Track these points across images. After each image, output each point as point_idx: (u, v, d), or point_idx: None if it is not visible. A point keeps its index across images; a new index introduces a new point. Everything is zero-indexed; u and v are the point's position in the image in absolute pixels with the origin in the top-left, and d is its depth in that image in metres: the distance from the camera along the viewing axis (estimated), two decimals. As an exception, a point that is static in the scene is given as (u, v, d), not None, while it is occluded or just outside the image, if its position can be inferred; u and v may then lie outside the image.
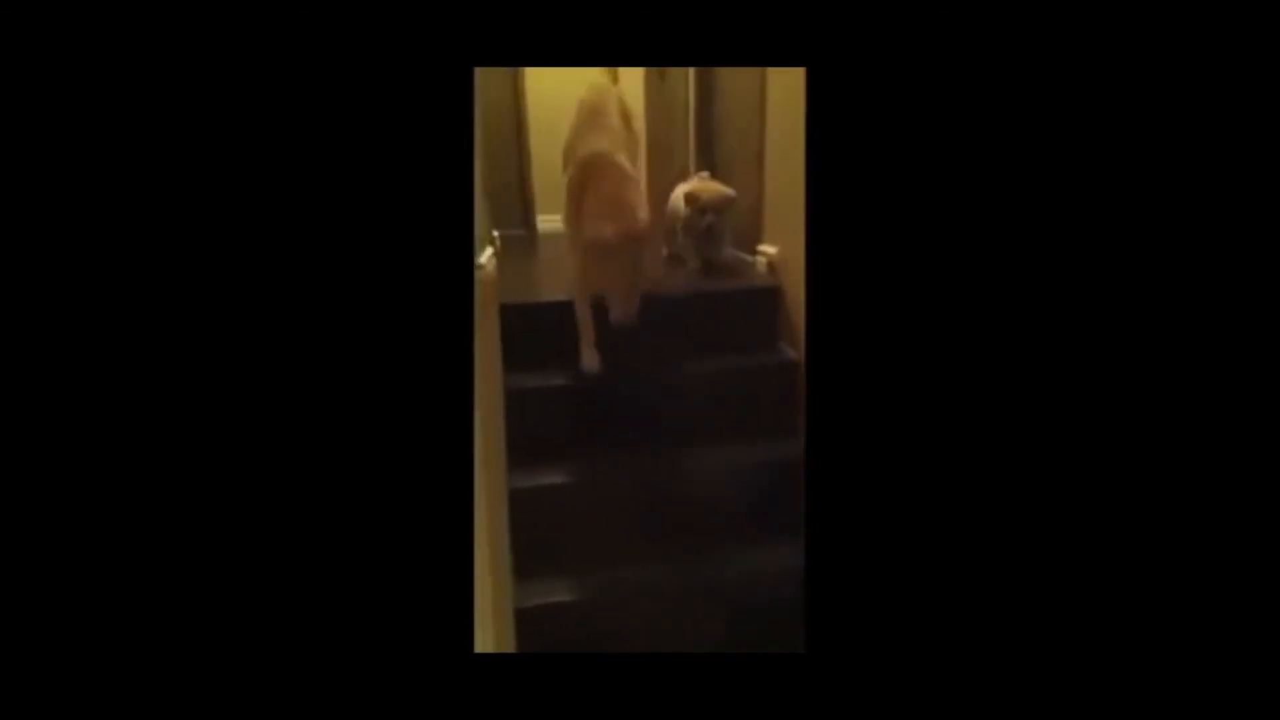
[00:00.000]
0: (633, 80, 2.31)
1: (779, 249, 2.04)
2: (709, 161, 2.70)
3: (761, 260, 2.12)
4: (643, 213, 1.52)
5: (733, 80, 2.50)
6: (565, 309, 1.82)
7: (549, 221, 3.65)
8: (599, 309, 1.68)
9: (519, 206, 3.62)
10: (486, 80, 1.59)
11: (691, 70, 2.82)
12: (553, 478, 1.67)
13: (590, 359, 1.69)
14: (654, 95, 3.07)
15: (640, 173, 1.78)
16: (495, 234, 1.84)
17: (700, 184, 2.06)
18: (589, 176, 1.54)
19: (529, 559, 1.61)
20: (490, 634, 1.11)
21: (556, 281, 2.13)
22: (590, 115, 1.69)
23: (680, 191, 2.11)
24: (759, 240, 2.16)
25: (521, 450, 1.71)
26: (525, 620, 1.46)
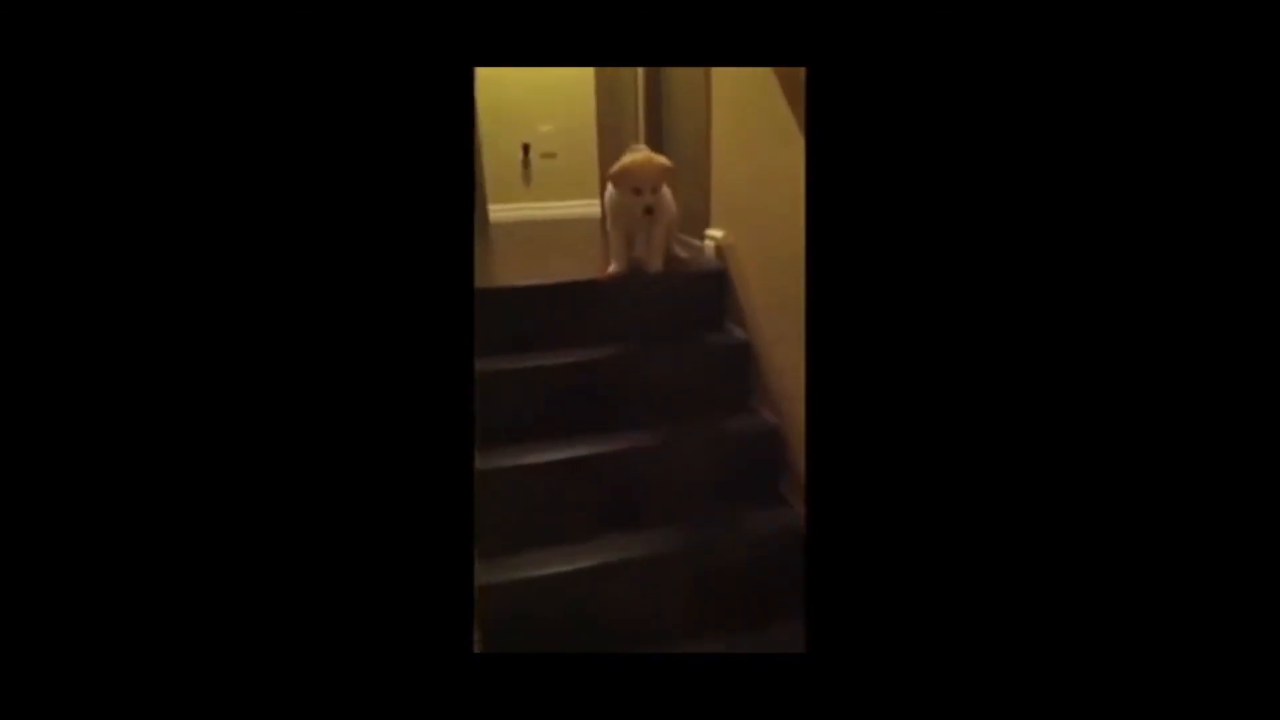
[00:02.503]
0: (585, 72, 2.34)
1: (725, 233, 2.10)
2: (657, 147, 2.75)
3: (709, 244, 2.19)
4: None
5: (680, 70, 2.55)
6: (522, 294, 1.88)
7: (499, 210, 3.66)
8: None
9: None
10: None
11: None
12: (518, 459, 1.72)
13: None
14: (605, 82, 3.11)
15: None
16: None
17: (631, 156, 1.99)
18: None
19: (495, 537, 1.66)
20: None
21: (508, 268, 2.17)
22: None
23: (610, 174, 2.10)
24: (706, 225, 2.23)
25: (487, 432, 1.76)
26: (490, 596, 1.52)
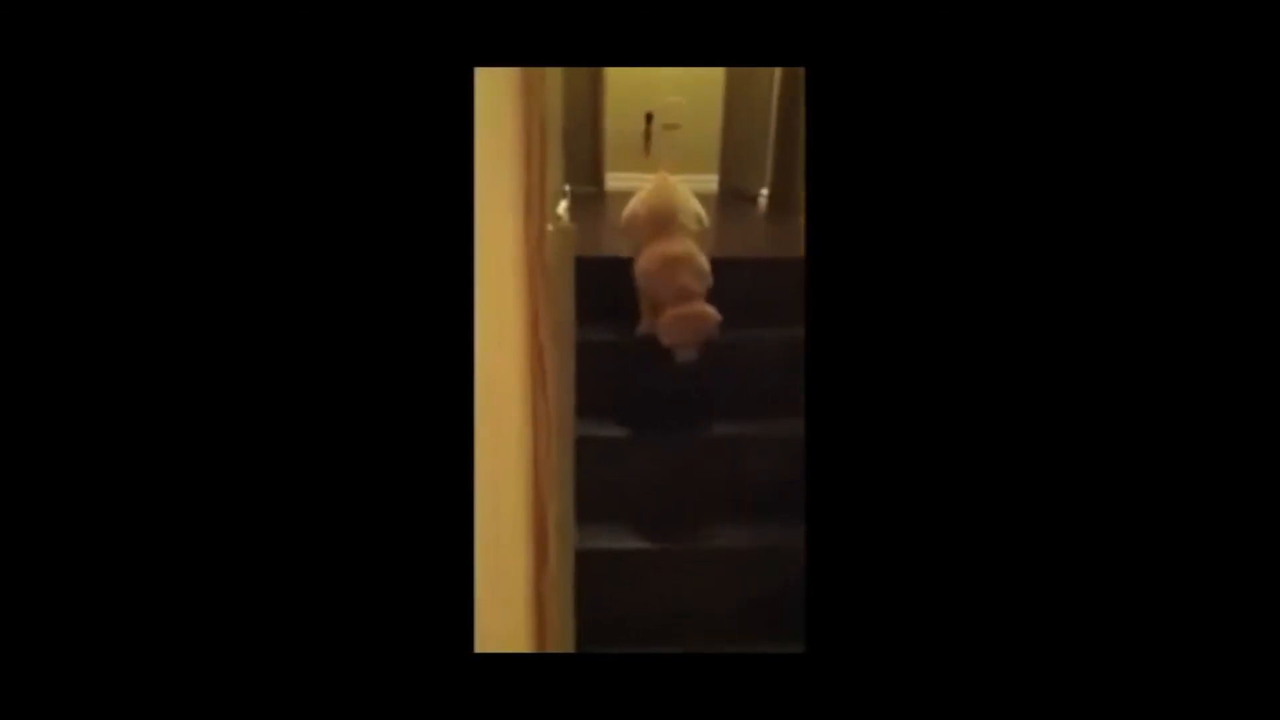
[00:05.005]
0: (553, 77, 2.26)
1: None
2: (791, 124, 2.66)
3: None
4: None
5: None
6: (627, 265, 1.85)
7: (618, 179, 3.65)
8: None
9: (589, 164, 3.63)
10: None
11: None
12: (616, 431, 1.71)
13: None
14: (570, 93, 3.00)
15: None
16: (567, 188, 1.86)
17: (655, 198, 1.84)
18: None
19: (589, 504, 1.65)
20: (554, 572, 1.15)
21: (619, 239, 2.15)
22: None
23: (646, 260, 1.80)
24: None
25: (589, 401, 1.75)
26: (584, 561, 1.51)
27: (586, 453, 1.62)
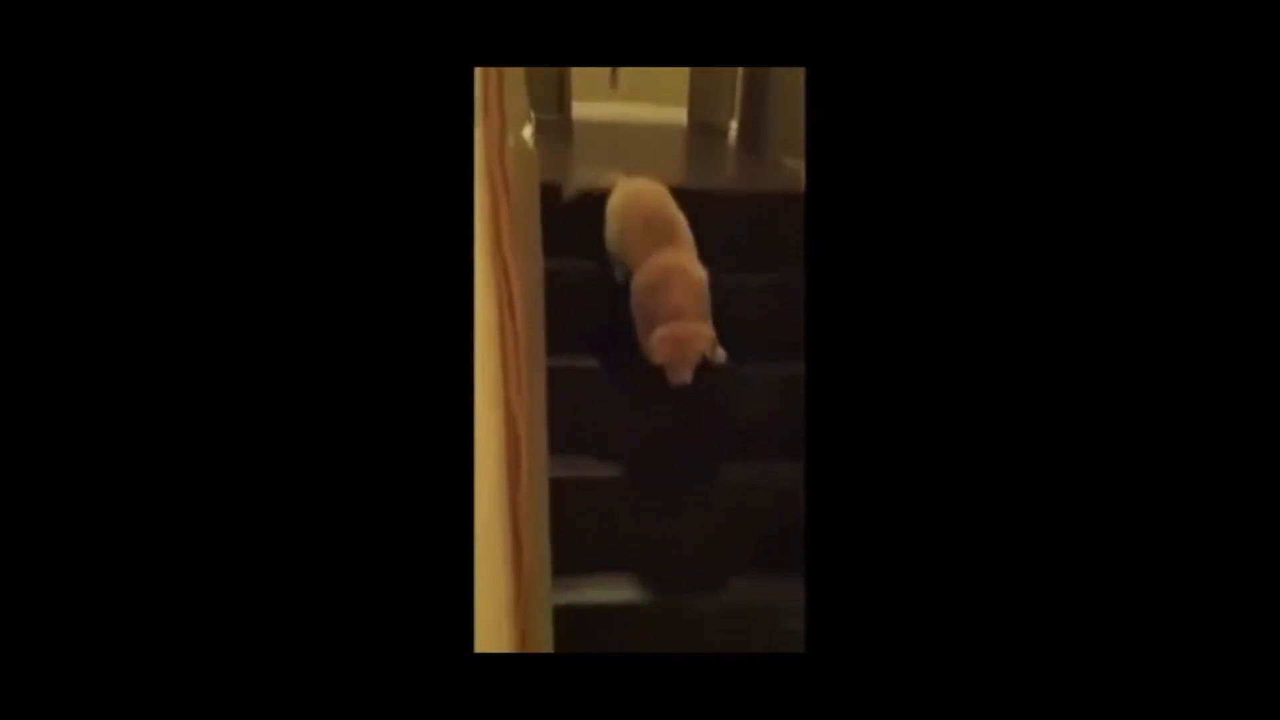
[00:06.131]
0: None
1: None
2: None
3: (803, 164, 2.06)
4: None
5: None
6: (603, 196, 1.81)
7: (584, 108, 3.56)
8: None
9: (555, 92, 3.52)
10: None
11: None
12: (588, 361, 1.70)
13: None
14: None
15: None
16: (532, 115, 1.80)
17: (647, 202, 1.74)
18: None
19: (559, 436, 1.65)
20: (528, 501, 1.15)
21: (591, 167, 2.10)
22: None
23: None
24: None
25: (559, 331, 1.73)
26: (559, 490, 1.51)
27: (559, 384, 1.61)
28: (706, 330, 1.59)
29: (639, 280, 1.65)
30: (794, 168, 2.11)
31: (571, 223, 1.81)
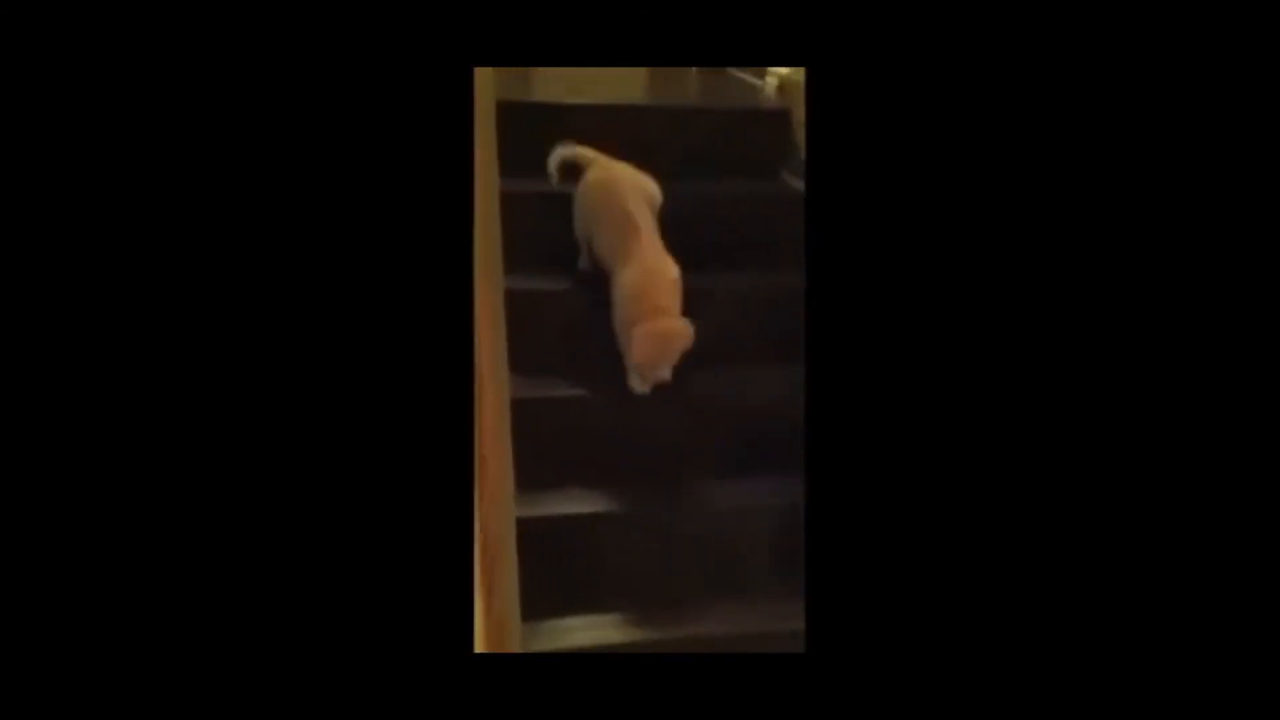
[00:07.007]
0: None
1: (792, 70, 1.95)
2: None
3: (771, 83, 2.03)
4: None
5: None
6: (561, 111, 1.78)
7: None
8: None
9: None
10: None
11: None
12: (550, 285, 1.70)
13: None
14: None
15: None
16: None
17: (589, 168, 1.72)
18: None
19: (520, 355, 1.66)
20: (491, 420, 1.17)
21: (549, 84, 2.05)
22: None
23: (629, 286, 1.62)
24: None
25: (520, 255, 1.72)
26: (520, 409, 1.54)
27: (515, 306, 1.61)
28: (685, 327, 1.58)
29: (619, 286, 1.64)
30: (759, 86, 2.08)
31: (524, 143, 1.78)
